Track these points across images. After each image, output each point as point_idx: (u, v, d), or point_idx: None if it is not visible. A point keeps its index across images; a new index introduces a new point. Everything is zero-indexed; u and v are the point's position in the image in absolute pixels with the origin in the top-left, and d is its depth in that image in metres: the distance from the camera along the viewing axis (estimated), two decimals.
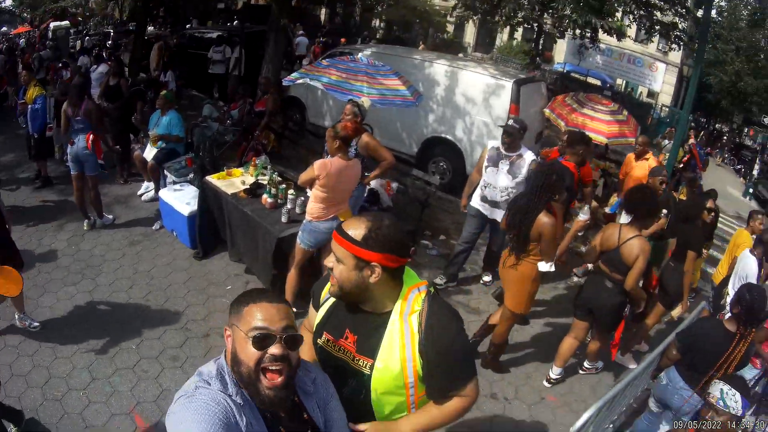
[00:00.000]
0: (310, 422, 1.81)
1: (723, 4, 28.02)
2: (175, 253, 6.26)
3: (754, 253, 5.53)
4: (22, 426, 3.73)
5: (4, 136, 9.96)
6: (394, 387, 2.01)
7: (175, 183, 6.76)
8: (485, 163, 5.58)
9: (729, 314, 3.82)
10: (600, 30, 14.74)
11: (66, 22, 17.37)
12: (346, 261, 1.89)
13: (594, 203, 6.61)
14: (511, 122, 5.53)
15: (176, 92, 10.56)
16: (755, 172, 20.26)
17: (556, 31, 16.59)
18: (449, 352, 1.94)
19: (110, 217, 6.82)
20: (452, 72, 9.13)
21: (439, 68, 9.24)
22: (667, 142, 11.88)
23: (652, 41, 26.70)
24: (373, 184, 6.72)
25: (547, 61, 23.68)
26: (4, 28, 26.43)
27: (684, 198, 7.26)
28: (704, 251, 5.87)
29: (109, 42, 16.74)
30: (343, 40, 19.96)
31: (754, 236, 6.17)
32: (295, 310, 1.90)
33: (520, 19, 15.65)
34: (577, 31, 15.40)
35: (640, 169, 7.01)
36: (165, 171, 7.06)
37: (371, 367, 1.99)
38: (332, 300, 2.12)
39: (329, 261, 1.96)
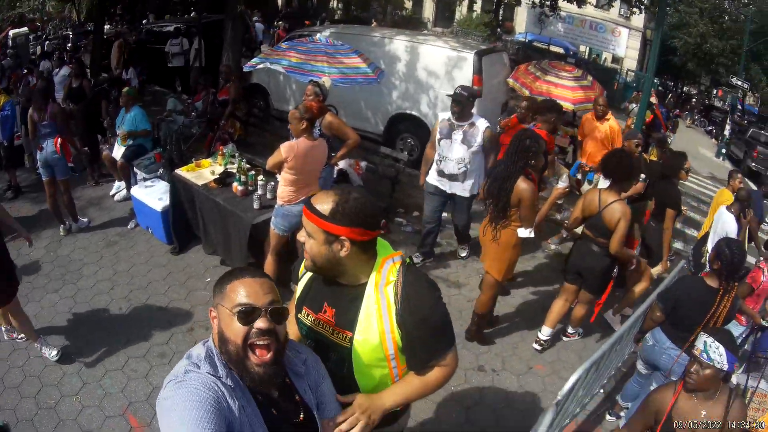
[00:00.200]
0: (302, 404, 1.81)
1: None
2: (153, 250, 6.28)
3: (731, 210, 5.66)
4: None
5: None
6: (375, 359, 2.00)
7: (145, 180, 6.75)
8: (438, 136, 5.51)
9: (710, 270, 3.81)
10: None
11: (24, 29, 17.02)
12: (316, 236, 1.89)
13: (564, 169, 6.68)
14: (458, 90, 5.37)
15: (139, 88, 10.47)
16: (726, 133, 20.47)
17: (513, 0, 16.64)
18: (428, 322, 1.94)
19: (85, 220, 6.80)
20: (413, 47, 9.15)
21: (399, 44, 9.26)
22: (634, 106, 12.03)
23: (613, 6, 26.89)
24: (342, 164, 6.77)
25: (508, 32, 23.72)
26: None
27: (654, 159, 7.37)
28: (683, 209, 5.95)
29: (69, 44, 16.44)
30: (307, 22, 19.78)
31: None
32: None
33: None
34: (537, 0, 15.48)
35: (602, 130, 6.94)
36: (135, 168, 7.03)
37: (351, 340, 1.98)
38: (310, 274, 2.13)
39: (301, 235, 1.96)
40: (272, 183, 5.39)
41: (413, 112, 9.19)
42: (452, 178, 5.53)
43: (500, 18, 20.31)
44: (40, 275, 5.79)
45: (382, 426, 2.11)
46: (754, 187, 10.56)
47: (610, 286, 4.66)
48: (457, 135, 5.37)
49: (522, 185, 4.20)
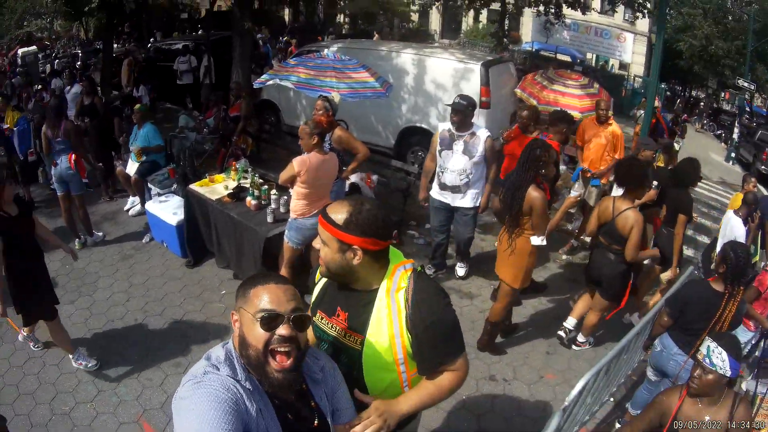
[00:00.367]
0: (317, 410, 1.82)
1: None
2: (168, 263, 6.36)
3: (739, 214, 5.68)
4: None
5: None
6: (384, 363, 2.06)
7: (159, 195, 6.86)
8: (438, 147, 5.42)
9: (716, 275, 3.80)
10: (564, 5, 14.81)
11: (33, 48, 17.24)
12: (330, 244, 1.96)
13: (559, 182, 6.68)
14: (457, 99, 5.27)
15: (150, 106, 10.60)
16: (735, 136, 20.31)
17: (514, 9, 16.67)
18: (437, 326, 1.99)
19: (100, 234, 6.91)
20: (420, 60, 9.24)
21: (406, 58, 9.33)
22: (641, 112, 12.05)
23: (616, 11, 26.90)
24: (354, 178, 6.84)
25: (515, 42, 23.78)
26: None
27: (662, 165, 7.34)
28: (694, 216, 5.96)
29: (78, 63, 16.65)
30: (319, 38, 19.88)
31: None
32: None
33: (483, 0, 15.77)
34: (541, 8, 15.51)
35: (604, 135, 6.77)
36: (149, 184, 7.15)
37: (362, 343, 2.05)
38: (325, 280, 2.19)
39: (317, 242, 2.04)
40: (285, 197, 5.47)
41: (423, 125, 9.23)
42: (454, 190, 5.46)
43: (506, 28, 20.36)
44: (56, 288, 5.72)
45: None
46: (766, 192, 10.55)
47: (627, 292, 4.70)
48: (458, 146, 5.31)
49: (533, 193, 4.26)
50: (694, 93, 34.39)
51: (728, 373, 2.63)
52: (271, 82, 7.02)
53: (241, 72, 10.79)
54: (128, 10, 11.30)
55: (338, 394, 1.94)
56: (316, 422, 1.80)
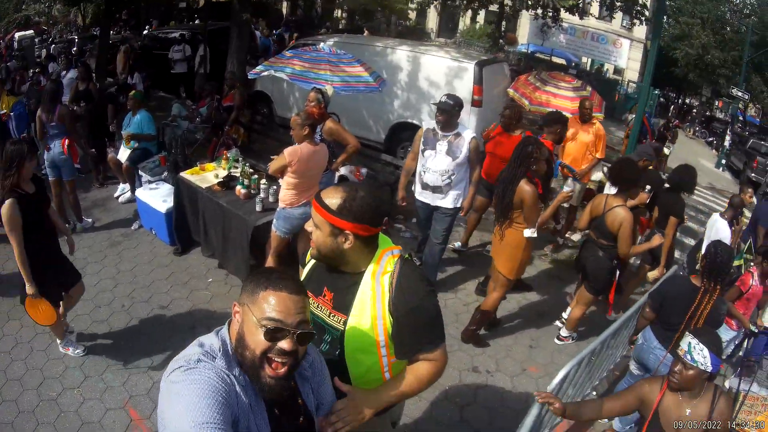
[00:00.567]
0: (303, 407, 1.83)
1: None
2: (156, 250, 6.39)
3: (725, 217, 5.81)
4: None
5: None
6: (365, 344, 2.09)
7: (150, 182, 6.88)
8: (421, 146, 5.25)
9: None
10: (562, 9, 14.86)
11: (30, 32, 17.11)
12: (322, 227, 2.01)
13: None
14: (444, 98, 5.06)
15: (144, 94, 10.59)
16: (726, 144, 20.50)
17: (511, 11, 16.69)
18: (418, 312, 2.03)
19: (89, 220, 6.92)
20: (414, 57, 9.28)
21: (401, 54, 9.38)
22: (632, 116, 12.16)
23: (614, 17, 26.99)
24: (343, 170, 6.87)
25: (511, 43, 23.77)
26: None
27: (651, 168, 7.42)
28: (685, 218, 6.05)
29: (74, 48, 16.56)
30: (318, 32, 19.83)
31: (744, 208, 6.51)
32: None
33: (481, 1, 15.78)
34: (539, 11, 15.55)
35: (585, 134, 6.82)
36: (140, 171, 7.17)
37: (345, 323, 2.09)
38: (314, 260, 2.24)
39: (309, 225, 2.08)
40: (274, 187, 5.52)
41: (414, 121, 9.26)
42: (435, 190, 5.29)
43: (503, 29, 20.39)
44: None
45: (375, 415, 2.17)
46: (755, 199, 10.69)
47: (614, 287, 4.83)
48: (442, 146, 5.12)
49: (524, 187, 4.41)
50: (687, 100, 34.62)
51: (709, 369, 2.67)
52: (266, 73, 7.06)
53: (237, 63, 10.80)
54: None
55: (323, 389, 1.96)
56: (301, 419, 1.82)
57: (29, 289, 4.11)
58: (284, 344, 1.59)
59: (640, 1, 15.37)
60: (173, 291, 5.67)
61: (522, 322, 5.55)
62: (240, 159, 6.37)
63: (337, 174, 6.58)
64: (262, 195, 5.56)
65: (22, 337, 4.88)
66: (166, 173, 6.98)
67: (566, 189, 5.81)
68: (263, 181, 5.66)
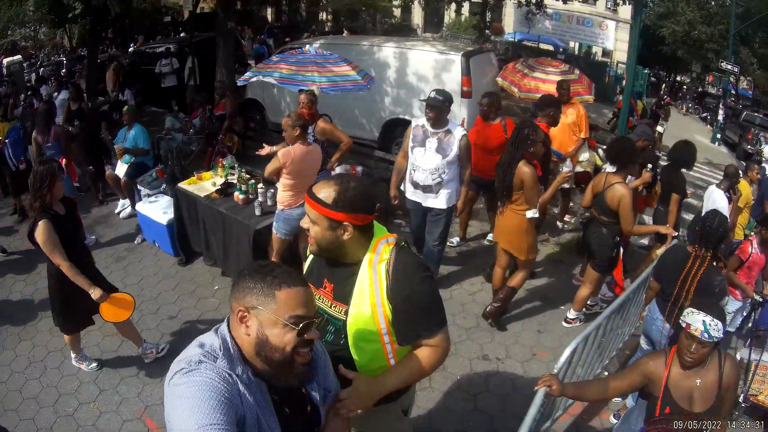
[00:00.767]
0: (308, 396, 1.85)
1: None
2: (160, 263, 6.44)
3: (721, 187, 5.86)
4: None
5: None
6: (368, 333, 2.12)
7: (149, 195, 6.92)
8: (411, 143, 5.11)
9: None
10: None
11: (18, 57, 17.20)
12: (320, 222, 2.03)
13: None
14: (433, 94, 4.93)
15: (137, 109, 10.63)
16: (720, 118, 20.50)
17: (494, 1, 16.73)
18: (414, 298, 2.06)
19: (93, 237, 6.97)
20: (401, 53, 9.31)
21: (387, 51, 9.41)
22: (621, 97, 12.20)
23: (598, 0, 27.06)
24: (338, 169, 6.92)
25: (497, 33, 23.84)
26: None
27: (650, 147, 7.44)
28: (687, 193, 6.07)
29: (63, 70, 16.64)
30: (311, 36, 19.84)
31: (753, 185, 6.60)
32: None
33: None
34: None
35: (568, 115, 6.67)
36: (138, 185, 7.21)
37: (346, 313, 2.12)
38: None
39: (305, 222, 2.09)
40: (272, 190, 5.56)
41: (406, 117, 9.25)
42: (426, 189, 5.15)
43: (488, 20, 20.42)
44: None
45: (385, 402, 2.23)
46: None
47: (619, 266, 4.90)
48: (432, 143, 4.98)
49: (524, 168, 4.52)
50: (678, 78, 34.64)
51: (721, 338, 2.64)
52: (254, 79, 7.09)
53: (225, 71, 10.85)
54: (113, 13, 11.29)
55: (327, 376, 2.00)
56: (308, 409, 1.85)
57: (94, 295, 4.06)
58: (311, 335, 1.65)
59: None
60: (180, 301, 5.71)
61: (529, 308, 5.58)
62: (236, 166, 6.41)
63: (333, 173, 6.62)
64: (260, 199, 5.60)
65: (34, 356, 4.93)
66: (164, 185, 7.03)
67: (565, 169, 5.82)
68: (260, 185, 5.70)
